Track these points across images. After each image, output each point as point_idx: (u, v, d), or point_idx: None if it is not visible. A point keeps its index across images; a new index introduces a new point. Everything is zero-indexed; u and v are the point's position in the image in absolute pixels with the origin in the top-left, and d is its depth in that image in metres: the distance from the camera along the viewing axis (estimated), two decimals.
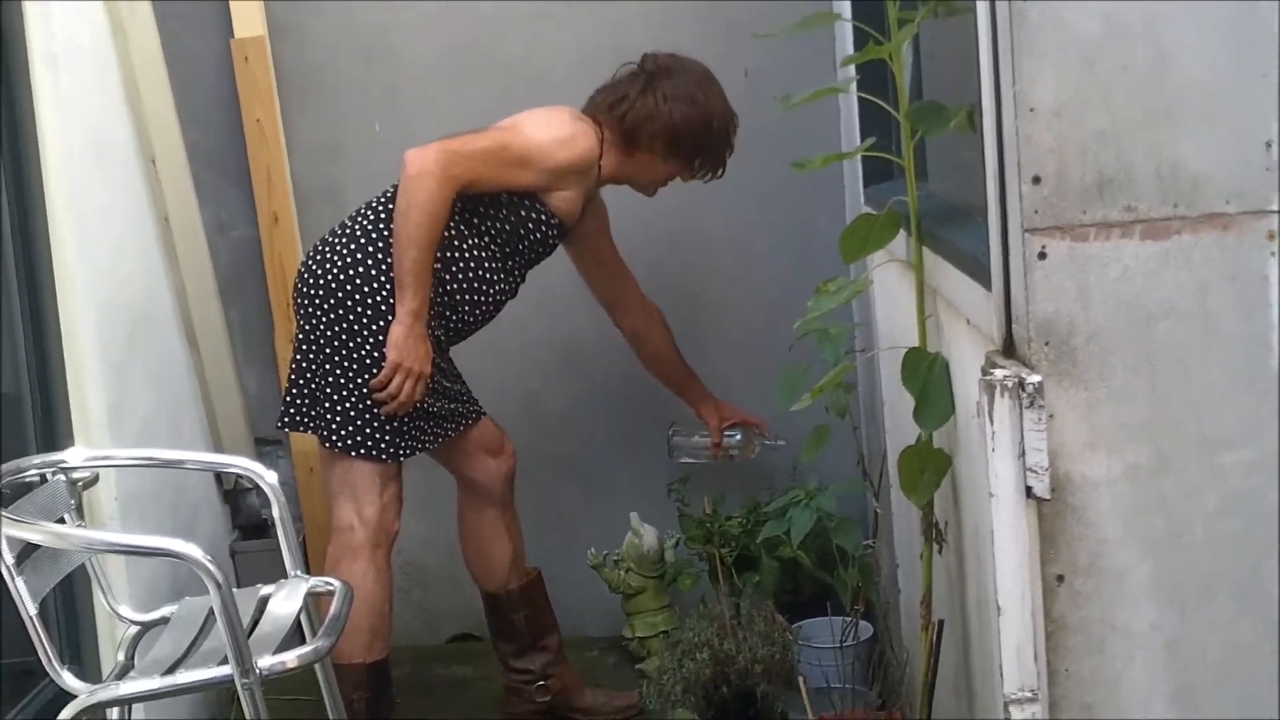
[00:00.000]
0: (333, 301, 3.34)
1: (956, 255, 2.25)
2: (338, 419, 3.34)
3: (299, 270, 3.48)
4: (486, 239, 3.42)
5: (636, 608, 4.05)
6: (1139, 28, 1.76)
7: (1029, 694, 1.82)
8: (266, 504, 3.98)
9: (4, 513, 2.41)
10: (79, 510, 2.82)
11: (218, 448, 4.08)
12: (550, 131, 3.42)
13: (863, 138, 3.38)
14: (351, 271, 3.33)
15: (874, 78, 2.98)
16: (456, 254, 3.39)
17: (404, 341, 3.26)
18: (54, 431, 3.27)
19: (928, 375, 2.29)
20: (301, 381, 3.41)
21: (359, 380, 3.32)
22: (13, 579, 2.40)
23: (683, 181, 3.63)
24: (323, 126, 4.24)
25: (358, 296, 3.32)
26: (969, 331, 2.17)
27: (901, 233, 2.44)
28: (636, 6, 4.17)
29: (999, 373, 1.80)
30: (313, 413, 3.40)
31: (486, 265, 3.44)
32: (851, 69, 3.32)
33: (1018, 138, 1.77)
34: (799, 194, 4.17)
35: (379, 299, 3.32)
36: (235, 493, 4.25)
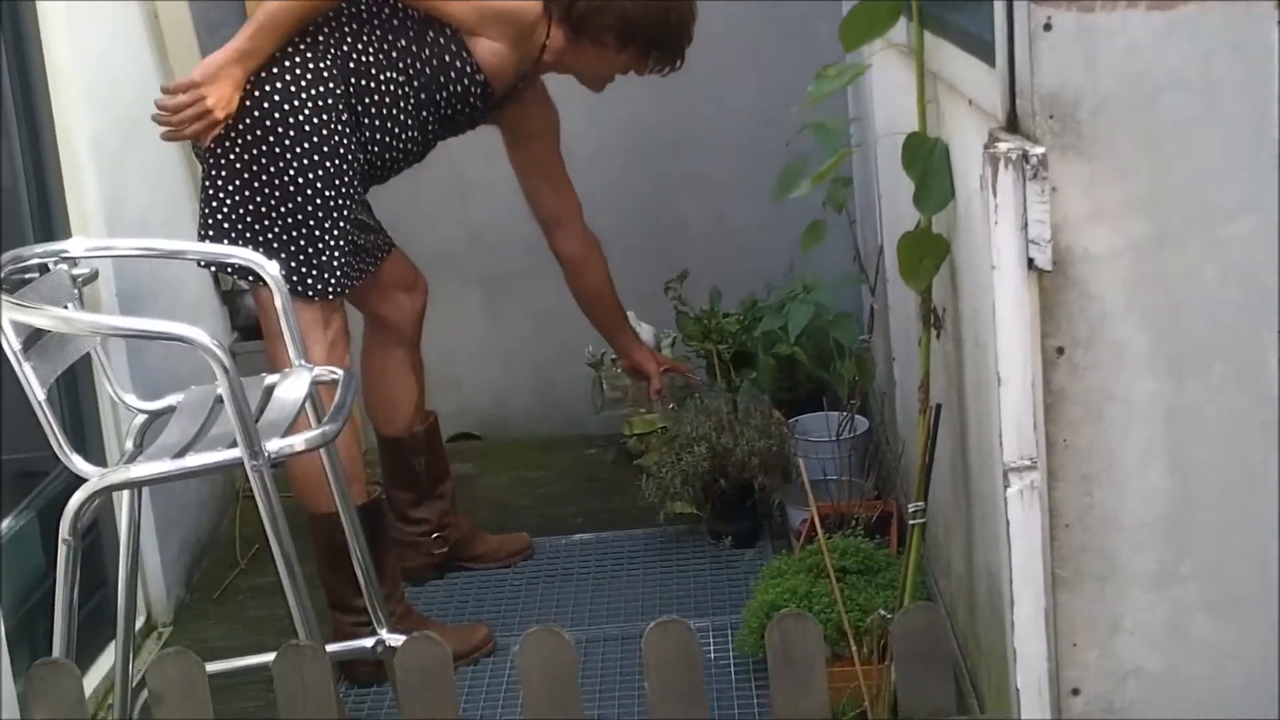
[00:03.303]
0: (247, 123, 3.01)
1: (959, 35, 2.23)
2: (261, 252, 2.96)
3: None
4: (404, 77, 3.13)
5: None
6: None
7: (1028, 462, 1.86)
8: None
9: (10, 298, 2.41)
10: (81, 303, 2.82)
11: None
12: None
13: None
14: (268, 88, 3.01)
15: None
16: (373, 84, 3.09)
17: (214, 69, 2.94)
18: (51, 227, 3.26)
19: (928, 160, 2.29)
20: (219, 218, 3.05)
21: (281, 210, 3.02)
22: (20, 365, 2.41)
23: (636, 75, 3.41)
24: None
25: (276, 115, 3.00)
26: (971, 112, 2.16)
27: (902, 20, 2.42)
28: None
29: (1003, 145, 1.80)
30: (236, 244, 3.03)
31: (401, 105, 3.14)
32: None
33: None
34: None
35: (301, 117, 3.00)
36: (233, 294, 4.26)
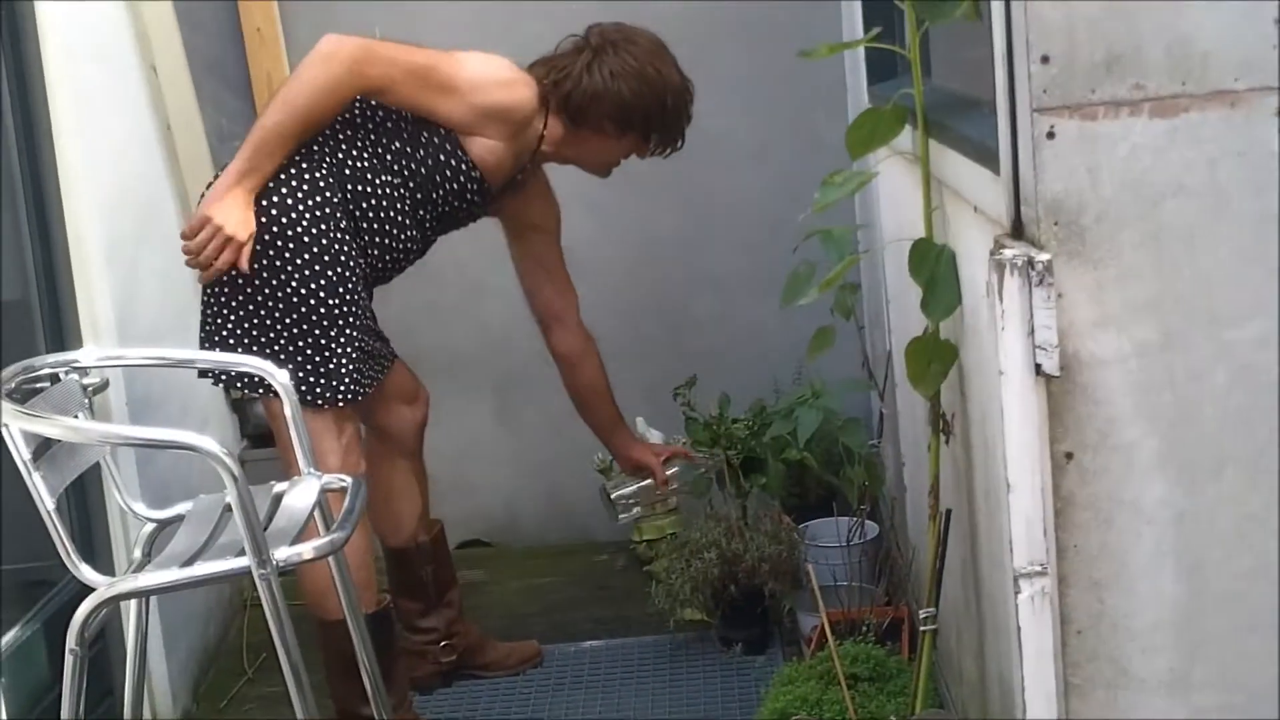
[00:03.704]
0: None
1: (964, 143, 2.25)
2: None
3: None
4: (399, 179, 3.12)
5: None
6: None
7: (1038, 568, 1.85)
8: None
9: (20, 408, 2.42)
10: (91, 412, 2.82)
11: None
12: (489, 70, 3.16)
13: (866, 30, 3.36)
14: (264, 202, 2.99)
15: None
16: (369, 188, 3.08)
17: (225, 202, 2.94)
18: (62, 335, 3.28)
19: (935, 265, 2.30)
20: (224, 334, 3.04)
21: (286, 321, 3.00)
22: (30, 475, 2.41)
23: (639, 158, 3.37)
24: (322, 32, 4.19)
25: (275, 229, 2.98)
26: (976, 219, 2.18)
27: (906, 127, 2.44)
28: None
29: (1008, 252, 1.82)
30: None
31: (398, 207, 3.13)
32: None
33: (1026, 15, 1.78)
34: (800, 92, 4.17)
35: (300, 228, 2.99)
36: (243, 401, 4.27)
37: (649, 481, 3.74)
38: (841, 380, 3.51)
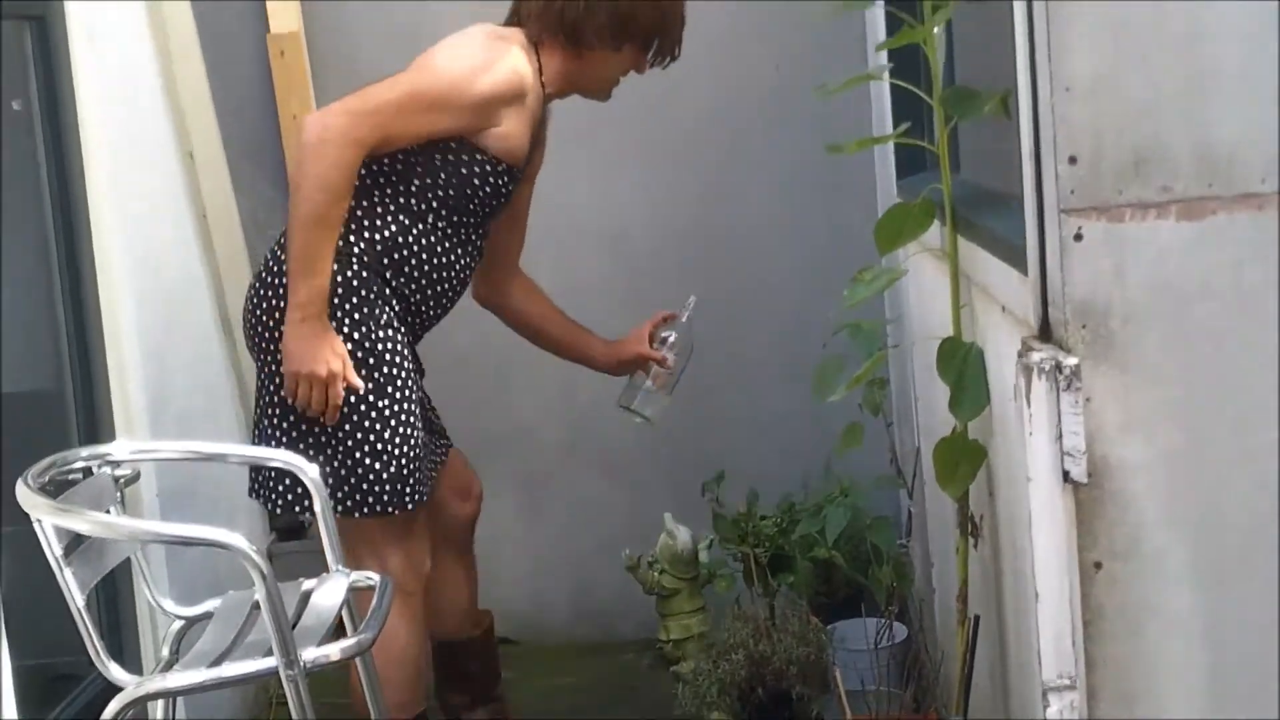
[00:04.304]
0: None
1: (992, 241, 2.25)
2: (329, 481, 2.93)
3: (245, 308, 3.07)
4: (431, 215, 3.02)
5: (671, 609, 4.04)
6: (1173, 3, 1.77)
7: (1067, 681, 1.83)
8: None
9: (53, 503, 2.43)
10: (123, 505, 2.83)
11: (252, 440, 4.09)
12: (463, 61, 2.99)
13: (895, 124, 3.38)
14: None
15: (906, 64, 2.98)
16: (405, 251, 3.00)
17: (296, 346, 2.86)
18: (95, 425, 3.29)
19: (963, 365, 2.28)
20: (278, 435, 2.98)
21: (341, 432, 2.93)
22: (61, 570, 2.41)
23: (638, 74, 3.22)
24: None
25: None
26: (1004, 318, 2.17)
27: (935, 222, 2.45)
28: None
29: (1036, 356, 1.81)
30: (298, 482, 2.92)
31: (443, 247, 3.04)
32: (883, 56, 3.31)
33: (1054, 117, 1.78)
34: (829, 184, 4.18)
35: (342, 335, 2.92)
36: None
37: (655, 369, 3.50)
38: (870, 478, 3.49)
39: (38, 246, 3.29)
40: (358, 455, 2.94)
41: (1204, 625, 1.81)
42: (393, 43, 4.21)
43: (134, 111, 3.59)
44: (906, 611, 3.67)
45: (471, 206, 3.05)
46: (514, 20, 3.15)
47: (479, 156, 3.02)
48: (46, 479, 2.55)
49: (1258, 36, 1.75)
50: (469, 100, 2.96)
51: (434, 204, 3.02)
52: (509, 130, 3.04)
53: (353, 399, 2.92)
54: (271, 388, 2.98)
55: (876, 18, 3.66)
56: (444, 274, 3.07)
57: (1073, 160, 1.78)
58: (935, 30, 2.32)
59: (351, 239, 2.99)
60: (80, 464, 2.78)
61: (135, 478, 3.10)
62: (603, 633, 4.36)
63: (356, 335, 2.95)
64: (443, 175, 3.01)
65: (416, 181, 3.01)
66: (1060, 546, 1.81)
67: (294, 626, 2.55)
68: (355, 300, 2.97)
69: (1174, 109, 1.77)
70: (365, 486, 2.95)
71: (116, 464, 2.83)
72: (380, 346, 2.97)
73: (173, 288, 3.69)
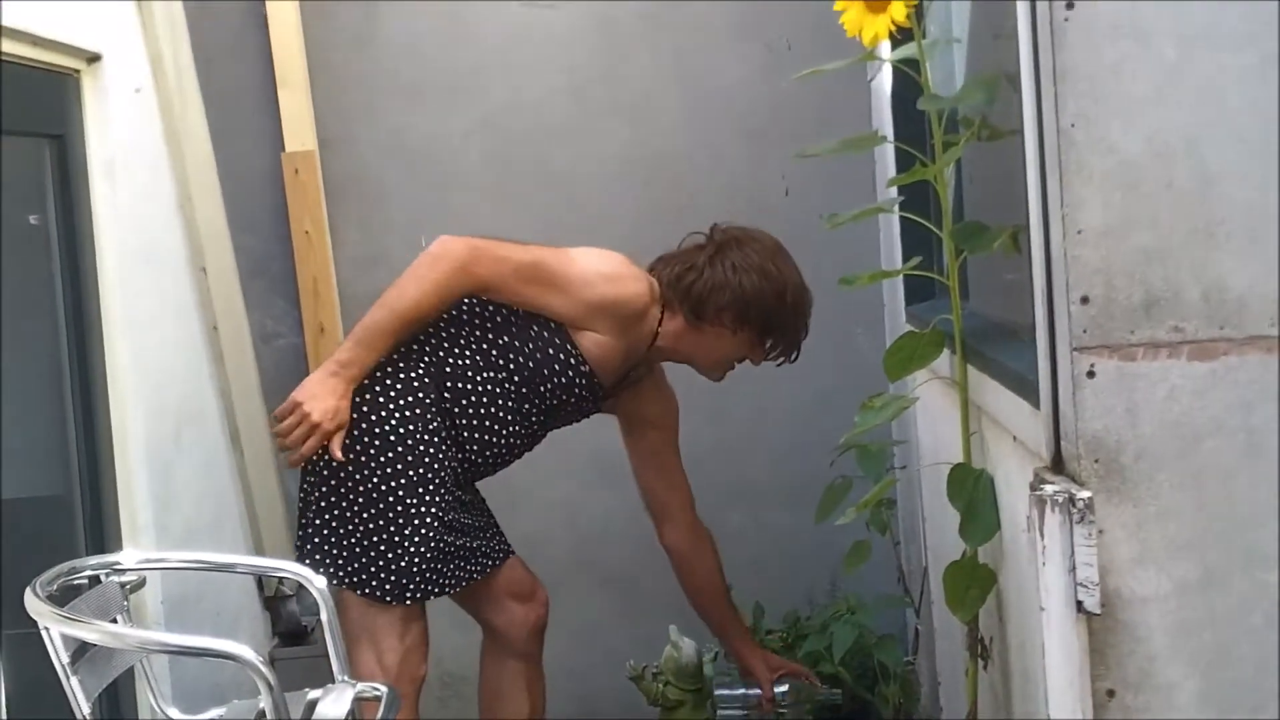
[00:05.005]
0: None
1: (1002, 373, 2.28)
2: (343, 555, 3.05)
3: None
4: (503, 374, 3.14)
5: None
6: (1181, 149, 1.80)
7: None
8: (308, 611, 4.05)
9: (62, 613, 2.43)
10: (129, 614, 2.84)
11: (258, 550, 4.12)
12: (599, 265, 3.17)
13: (904, 255, 3.42)
14: (357, 399, 3.05)
15: (916, 196, 3.03)
16: (468, 385, 3.12)
17: (314, 386, 3.01)
18: (102, 532, 3.31)
19: (973, 491, 2.31)
20: (315, 527, 3.09)
21: (364, 516, 3.04)
22: (68, 678, 2.41)
23: (753, 364, 3.36)
24: (369, 236, 4.31)
25: (364, 425, 3.05)
26: (1015, 448, 2.19)
27: (945, 351, 2.48)
28: (677, 119, 4.25)
29: (1049, 488, 1.83)
30: (323, 548, 3.07)
31: (500, 403, 3.15)
32: (893, 188, 3.36)
33: (1066, 259, 1.81)
34: (838, 310, 4.20)
35: (388, 427, 3.04)
36: (275, 599, 4.27)
37: (757, 691, 3.63)
38: (877, 597, 3.50)
39: (50, 355, 3.32)
40: (374, 539, 3.03)
41: None
42: (403, 157, 4.30)
43: (148, 228, 3.65)
44: None
45: (543, 389, 3.18)
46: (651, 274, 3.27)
47: (569, 347, 3.16)
48: (54, 587, 2.56)
49: (1263, 182, 1.79)
50: (586, 296, 3.13)
51: (510, 366, 3.15)
52: (605, 342, 3.18)
53: (383, 488, 3.02)
54: (309, 489, 3.10)
55: (883, 151, 3.71)
56: (494, 427, 3.17)
57: (1085, 300, 1.81)
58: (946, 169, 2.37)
59: (428, 349, 3.11)
60: (89, 572, 2.79)
61: (141, 584, 3.12)
62: None
63: (403, 430, 3.04)
64: (530, 345, 3.15)
65: (505, 337, 3.15)
66: (1074, 676, 1.82)
67: None
68: (411, 399, 3.07)
69: (1184, 255, 1.80)
70: (373, 569, 3.03)
71: (124, 571, 2.85)
72: (421, 449, 3.06)
73: (180, 401, 3.72)
